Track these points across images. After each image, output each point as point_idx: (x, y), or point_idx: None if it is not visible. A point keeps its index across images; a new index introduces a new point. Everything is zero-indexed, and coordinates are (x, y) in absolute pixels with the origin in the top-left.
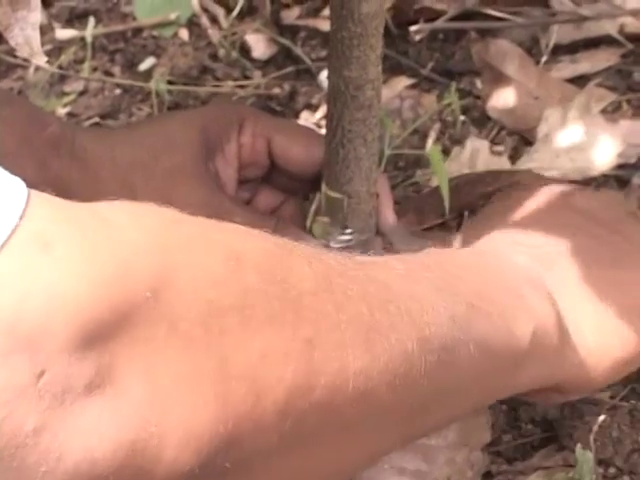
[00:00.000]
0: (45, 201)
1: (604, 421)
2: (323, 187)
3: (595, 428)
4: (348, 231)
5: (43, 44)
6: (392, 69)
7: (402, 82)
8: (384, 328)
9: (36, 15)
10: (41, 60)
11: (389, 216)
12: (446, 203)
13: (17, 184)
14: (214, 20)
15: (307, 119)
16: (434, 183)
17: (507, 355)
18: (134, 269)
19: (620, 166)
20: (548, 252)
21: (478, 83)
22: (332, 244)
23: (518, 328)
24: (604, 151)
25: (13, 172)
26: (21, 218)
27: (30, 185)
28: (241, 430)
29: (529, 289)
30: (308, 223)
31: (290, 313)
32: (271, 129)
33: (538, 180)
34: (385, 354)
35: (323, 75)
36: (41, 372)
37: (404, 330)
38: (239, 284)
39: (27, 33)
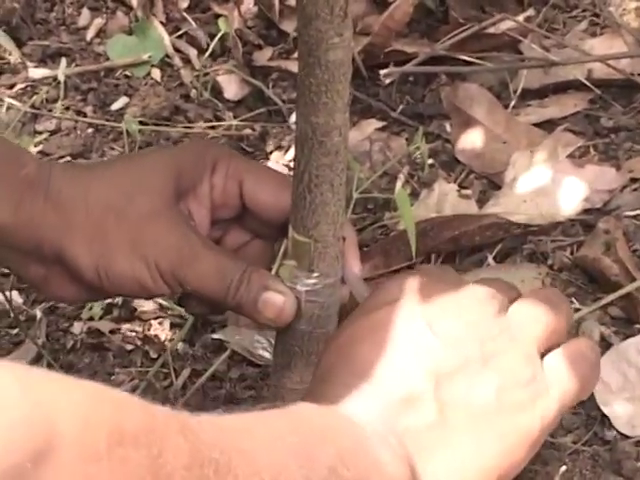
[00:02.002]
0: None
1: (566, 466)
2: (290, 231)
3: (557, 473)
4: (314, 275)
5: (16, 83)
6: (362, 111)
7: (372, 125)
8: None
9: None
10: None
11: (354, 265)
12: (413, 247)
13: None
14: (186, 61)
15: (277, 160)
16: (402, 226)
17: None
18: (18, 439)
19: (586, 211)
20: (401, 400)
21: (447, 126)
22: (299, 287)
23: None
24: (570, 196)
25: None
26: None
27: (3, 226)
28: None
29: (384, 450)
30: (275, 266)
31: None
32: (243, 172)
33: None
34: None
35: (294, 117)
36: None
37: None
38: (118, 459)
39: None
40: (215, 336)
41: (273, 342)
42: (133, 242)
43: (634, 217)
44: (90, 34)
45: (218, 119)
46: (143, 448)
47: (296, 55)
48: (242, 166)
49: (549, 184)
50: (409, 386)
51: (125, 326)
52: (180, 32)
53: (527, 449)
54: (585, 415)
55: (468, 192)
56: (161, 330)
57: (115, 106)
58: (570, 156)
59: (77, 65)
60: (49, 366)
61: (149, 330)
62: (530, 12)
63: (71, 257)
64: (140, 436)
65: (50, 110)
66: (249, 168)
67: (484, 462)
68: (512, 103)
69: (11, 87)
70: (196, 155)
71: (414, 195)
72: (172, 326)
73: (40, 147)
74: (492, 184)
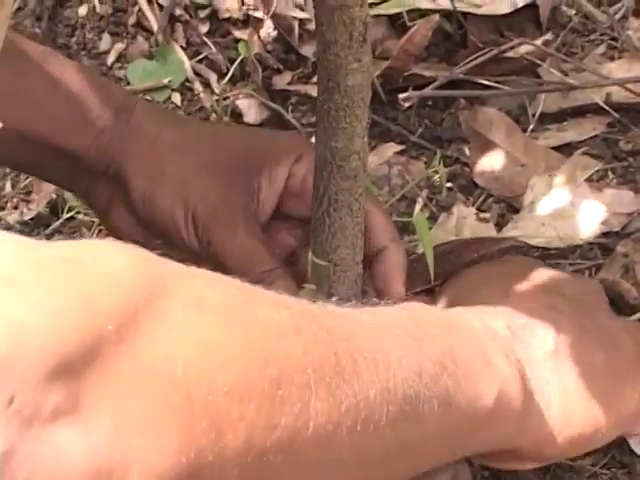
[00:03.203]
0: (11, 241)
1: None
2: (310, 254)
3: None
4: (334, 299)
5: None
6: (381, 135)
7: (391, 148)
8: (348, 375)
9: None
10: None
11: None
12: (431, 270)
13: None
14: (207, 85)
15: None
16: (421, 249)
17: (470, 414)
18: (99, 304)
19: (604, 234)
20: (524, 326)
21: (466, 150)
22: None
23: (483, 390)
24: (589, 219)
25: (65, 133)
26: None
27: (84, 150)
28: (203, 463)
29: (498, 354)
30: None
31: (256, 352)
32: None
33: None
34: (347, 399)
35: (313, 141)
36: (10, 398)
37: (368, 379)
38: (201, 325)
39: None
40: None
41: None
42: (183, 184)
43: None
44: (111, 59)
45: None
46: (229, 316)
47: (315, 79)
48: None
49: (567, 207)
50: (533, 317)
51: None
52: (200, 56)
53: (624, 409)
54: None
55: (487, 215)
56: None
57: None
58: (588, 180)
59: None
60: None
61: None
62: (548, 36)
63: (126, 176)
64: (224, 305)
65: None
66: None
67: (591, 407)
68: (531, 127)
69: None
70: (286, 139)
71: (433, 219)
72: None
73: None
74: (511, 207)
